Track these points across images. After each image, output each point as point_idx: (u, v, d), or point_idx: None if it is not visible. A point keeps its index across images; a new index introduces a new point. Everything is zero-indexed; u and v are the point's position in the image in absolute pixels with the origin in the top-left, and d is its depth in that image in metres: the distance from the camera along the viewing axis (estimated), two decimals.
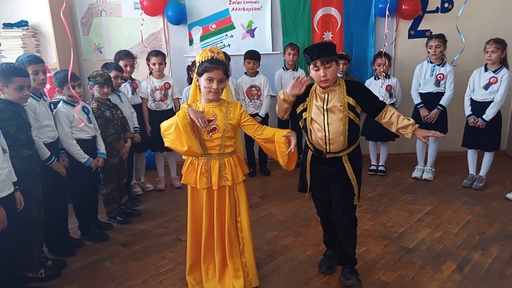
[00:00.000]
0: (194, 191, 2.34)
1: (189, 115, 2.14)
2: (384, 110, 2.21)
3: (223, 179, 2.26)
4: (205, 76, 2.15)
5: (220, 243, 2.34)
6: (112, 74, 3.31)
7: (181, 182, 2.39)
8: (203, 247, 2.35)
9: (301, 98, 2.28)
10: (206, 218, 2.30)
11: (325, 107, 2.20)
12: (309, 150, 2.36)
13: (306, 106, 2.27)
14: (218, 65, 2.14)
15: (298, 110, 2.32)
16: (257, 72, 4.21)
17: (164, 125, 2.22)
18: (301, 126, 2.36)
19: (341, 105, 2.17)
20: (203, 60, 2.15)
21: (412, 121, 2.16)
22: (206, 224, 2.31)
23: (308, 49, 2.16)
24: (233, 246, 2.34)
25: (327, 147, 2.23)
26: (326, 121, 2.20)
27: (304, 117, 2.29)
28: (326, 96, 2.21)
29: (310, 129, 2.27)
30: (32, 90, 2.58)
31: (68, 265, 2.71)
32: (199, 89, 2.26)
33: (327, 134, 2.20)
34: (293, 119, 4.42)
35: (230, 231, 2.32)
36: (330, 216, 2.40)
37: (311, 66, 2.17)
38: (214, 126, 2.21)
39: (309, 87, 2.28)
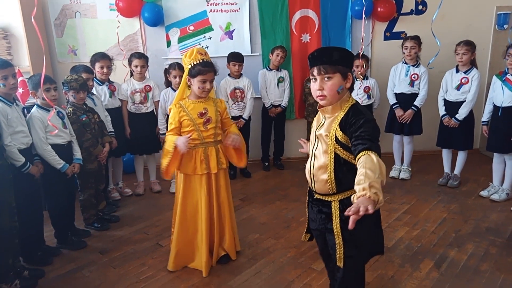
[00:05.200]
0: (187, 180, 2.54)
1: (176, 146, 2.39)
2: (360, 154, 1.53)
3: (219, 163, 2.54)
4: (199, 78, 2.37)
5: (218, 222, 2.63)
6: (83, 76, 3.23)
7: (179, 172, 2.57)
8: (205, 228, 2.55)
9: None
10: (206, 201, 2.53)
11: (316, 132, 1.78)
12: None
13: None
14: (211, 68, 2.38)
15: None
16: (241, 74, 4.22)
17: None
18: None
19: (326, 135, 1.71)
20: (196, 63, 2.35)
21: (364, 185, 1.38)
22: (206, 206, 2.53)
23: (310, 54, 1.73)
24: (227, 223, 2.67)
25: (313, 184, 1.81)
26: (314, 151, 1.79)
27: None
28: (323, 118, 1.76)
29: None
30: (4, 95, 2.51)
31: (44, 275, 2.63)
32: (189, 87, 2.48)
33: (311, 166, 1.80)
34: (277, 122, 4.51)
35: (225, 209, 2.64)
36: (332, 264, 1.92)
37: (310, 75, 1.74)
38: (208, 117, 2.47)
39: None
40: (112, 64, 3.71)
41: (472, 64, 3.73)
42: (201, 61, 2.34)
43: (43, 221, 2.88)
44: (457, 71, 3.77)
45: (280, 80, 4.38)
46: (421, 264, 2.63)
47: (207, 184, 2.52)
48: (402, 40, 4.05)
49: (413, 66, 3.95)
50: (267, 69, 4.39)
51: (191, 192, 2.55)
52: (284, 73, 4.42)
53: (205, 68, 2.34)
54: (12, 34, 3.93)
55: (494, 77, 3.57)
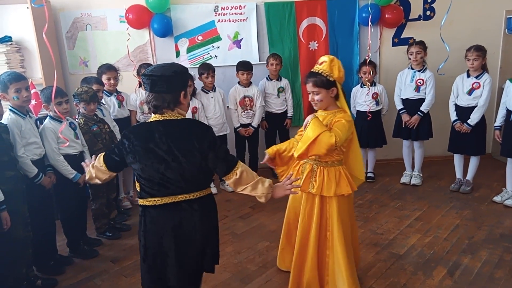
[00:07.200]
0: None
1: None
2: None
3: (311, 185, 2.28)
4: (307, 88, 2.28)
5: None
6: (93, 88, 3.29)
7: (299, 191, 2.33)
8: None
9: None
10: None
11: None
12: None
13: None
14: (309, 79, 2.21)
15: None
16: (251, 82, 4.24)
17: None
18: None
19: None
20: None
21: None
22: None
23: None
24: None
25: None
26: None
27: None
28: None
29: None
30: (17, 108, 2.56)
31: (57, 284, 2.66)
32: None
33: None
34: (281, 130, 4.52)
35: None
36: None
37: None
38: None
39: None
40: (118, 75, 3.77)
41: (483, 68, 3.69)
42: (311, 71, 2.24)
43: (56, 231, 2.92)
44: (468, 76, 3.74)
45: (280, 90, 4.38)
46: (434, 271, 2.60)
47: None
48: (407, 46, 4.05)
49: (419, 71, 3.93)
50: (267, 79, 4.39)
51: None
52: (284, 83, 4.40)
53: (306, 79, 2.23)
54: (25, 47, 4.03)
55: (508, 81, 3.54)
